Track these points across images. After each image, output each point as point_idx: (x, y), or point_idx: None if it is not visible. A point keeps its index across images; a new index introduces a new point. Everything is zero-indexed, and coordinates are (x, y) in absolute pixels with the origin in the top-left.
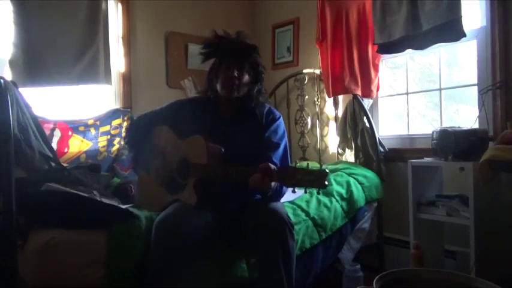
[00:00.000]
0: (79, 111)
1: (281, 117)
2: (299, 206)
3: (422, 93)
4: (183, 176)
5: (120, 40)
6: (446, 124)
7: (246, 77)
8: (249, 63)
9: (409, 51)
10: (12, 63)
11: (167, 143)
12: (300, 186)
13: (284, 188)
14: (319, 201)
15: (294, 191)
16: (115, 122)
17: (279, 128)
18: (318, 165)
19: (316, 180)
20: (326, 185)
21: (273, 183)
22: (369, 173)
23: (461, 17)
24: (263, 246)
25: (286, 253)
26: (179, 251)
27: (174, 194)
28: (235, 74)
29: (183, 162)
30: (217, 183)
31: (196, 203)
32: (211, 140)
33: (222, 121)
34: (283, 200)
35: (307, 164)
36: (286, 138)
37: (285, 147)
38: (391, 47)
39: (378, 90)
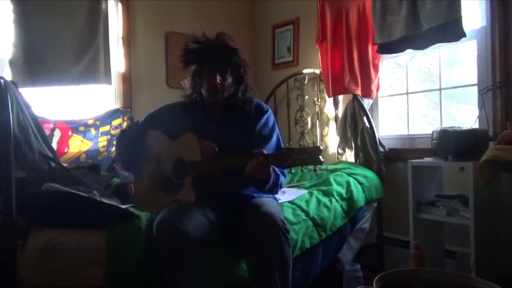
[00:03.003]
0: (79, 111)
1: (269, 110)
2: (299, 206)
3: (423, 93)
4: (179, 176)
5: (120, 40)
6: (447, 124)
7: (229, 80)
8: (231, 66)
9: (409, 51)
10: (12, 63)
11: (159, 147)
12: (296, 165)
13: (282, 178)
14: (319, 201)
15: (291, 172)
16: (115, 122)
17: (268, 120)
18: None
19: (311, 157)
20: (322, 161)
21: (271, 175)
22: (369, 173)
23: (461, 17)
24: (257, 252)
25: (281, 259)
26: (182, 247)
27: (173, 195)
28: (218, 80)
29: (178, 163)
30: (215, 180)
31: (196, 199)
32: (204, 139)
33: (212, 120)
34: (283, 199)
35: (301, 144)
36: (277, 130)
37: (277, 137)
38: (391, 47)
39: (378, 90)
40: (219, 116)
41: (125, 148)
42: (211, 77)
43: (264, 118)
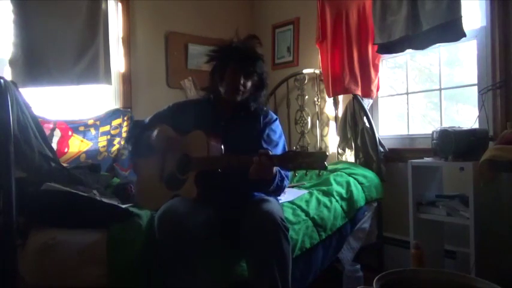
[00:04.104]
0: (79, 111)
1: (277, 119)
2: (299, 206)
3: (423, 93)
4: (183, 171)
5: (120, 40)
6: (447, 124)
7: (250, 84)
8: (255, 70)
9: (409, 51)
10: (12, 63)
11: (167, 142)
12: (300, 168)
13: (286, 182)
14: (319, 201)
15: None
16: (115, 122)
17: (277, 128)
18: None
19: (316, 161)
20: (326, 166)
21: (276, 177)
22: (369, 173)
23: (461, 17)
24: (257, 250)
25: (281, 257)
26: (183, 241)
27: (174, 189)
28: (241, 81)
29: (184, 158)
30: (218, 177)
31: (197, 195)
32: (211, 137)
33: (221, 119)
34: (283, 199)
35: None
36: (284, 138)
37: (284, 145)
38: (391, 47)
39: (378, 90)
40: (228, 115)
41: (136, 136)
42: (235, 76)
43: (274, 125)
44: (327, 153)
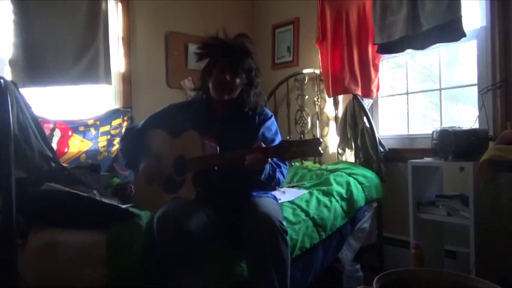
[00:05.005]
0: (79, 111)
1: (273, 116)
2: (299, 206)
3: (423, 93)
4: (180, 173)
5: (120, 40)
6: (447, 124)
7: (238, 81)
8: (242, 67)
9: (409, 51)
10: (12, 63)
11: (162, 145)
12: (296, 157)
13: (278, 173)
14: (319, 201)
15: (290, 164)
16: (115, 122)
17: (272, 125)
18: (316, 165)
19: (310, 149)
20: (321, 152)
21: (267, 167)
22: (369, 173)
23: (461, 17)
24: (254, 252)
25: (279, 259)
26: (183, 243)
27: (173, 192)
28: (227, 77)
29: (179, 159)
30: (215, 177)
31: (196, 196)
32: (206, 137)
33: (215, 118)
34: (283, 199)
35: (301, 136)
36: (279, 135)
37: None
38: (391, 47)
39: (378, 90)
40: (222, 115)
41: (128, 146)
42: (221, 73)
43: (268, 123)
44: (321, 139)
